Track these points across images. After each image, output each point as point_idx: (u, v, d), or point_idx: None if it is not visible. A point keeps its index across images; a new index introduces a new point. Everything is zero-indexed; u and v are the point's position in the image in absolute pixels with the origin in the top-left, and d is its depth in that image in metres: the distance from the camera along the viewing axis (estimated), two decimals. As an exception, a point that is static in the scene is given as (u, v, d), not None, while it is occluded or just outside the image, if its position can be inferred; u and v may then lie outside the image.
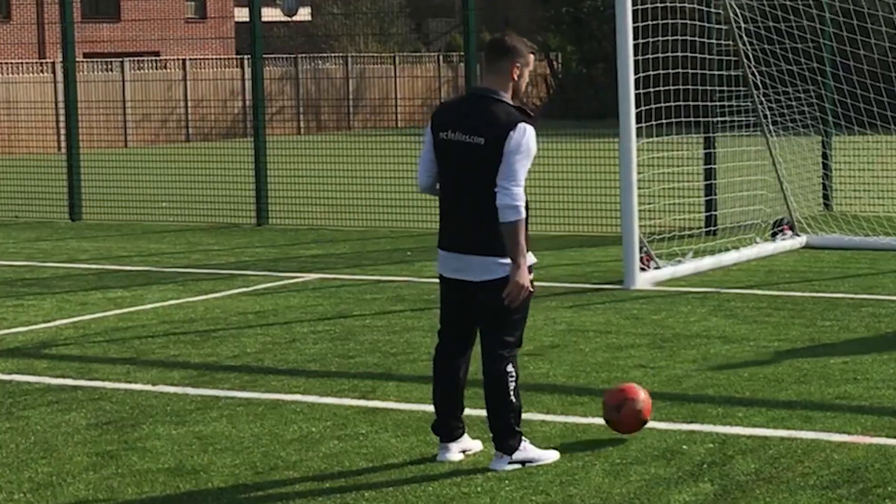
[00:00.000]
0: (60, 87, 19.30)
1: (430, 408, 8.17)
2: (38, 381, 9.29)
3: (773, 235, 14.96)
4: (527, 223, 7.02)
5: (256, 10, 18.93)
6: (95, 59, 42.52)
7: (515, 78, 7.10)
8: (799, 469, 6.93)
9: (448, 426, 7.30)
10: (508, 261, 6.98)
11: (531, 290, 7.00)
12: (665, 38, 13.90)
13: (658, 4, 13.91)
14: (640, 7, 13.17)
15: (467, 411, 7.37)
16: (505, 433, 7.11)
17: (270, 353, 10.06)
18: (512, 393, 7.08)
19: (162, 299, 12.53)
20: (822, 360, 9.36)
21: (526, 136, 6.92)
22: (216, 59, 44.33)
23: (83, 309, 12.09)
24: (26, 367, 9.74)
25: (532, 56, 7.16)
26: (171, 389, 8.96)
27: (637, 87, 12.80)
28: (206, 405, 8.51)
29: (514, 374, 7.10)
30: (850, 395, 8.37)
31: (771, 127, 15.29)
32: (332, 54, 47.07)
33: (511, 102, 7.06)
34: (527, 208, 6.96)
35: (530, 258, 7.03)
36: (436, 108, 7.37)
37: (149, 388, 9.03)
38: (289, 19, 60.06)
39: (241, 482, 6.98)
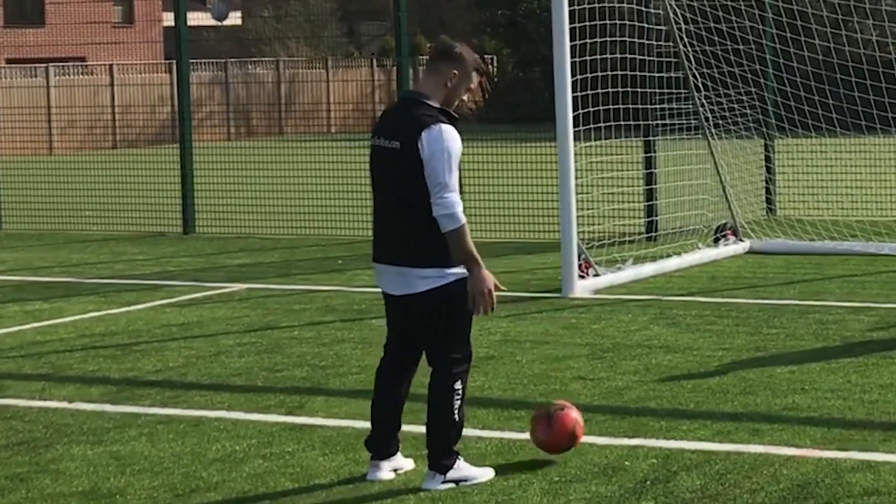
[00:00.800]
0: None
1: (359, 423, 7.88)
2: (-55, 399, 8.82)
3: (716, 241, 14.71)
4: None
5: (182, 14, 18.50)
6: (19, 65, 41.80)
7: (449, 85, 6.73)
8: (746, 485, 6.63)
9: (384, 443, 6.95)
10: (429, 273, 6.65)
11: (501, 289, 6.66)
12: (603, 40, 13.63)
13: (595, 5, 13.60)
14: (576, 7, 12.87)
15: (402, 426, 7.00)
16: (442, 452, 6.79)
17: (194, 367, 9.65)
18: (456, 412, 6.76)
19: (82, 311, 12.06)
20: (769, 369, 9.08)
21: (441, 137, 6.55)
22: (144, 63, 43.72)
23: (-1, 322, 11.61)
24: (-66, 385, 9.26)
25: (475, 74, 6.78)
26: (89, 407, 8.53)
27: (575, 90, 12.53)
28: (125, 423, 8.09)
29: (460, 391, 6.77)
30: (797, 406, 8.09)
31: (713, 130, 15.05)
32: (263, 58, 46.59)
33: (435, 105, 6.70)
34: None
35: (460, 270, 6.67)
36: None
37: (65, 405, 8.59)
38: (219, 23, 59.47)
39: (159, 506, 6.58)
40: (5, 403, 8.66)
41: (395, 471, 6.98)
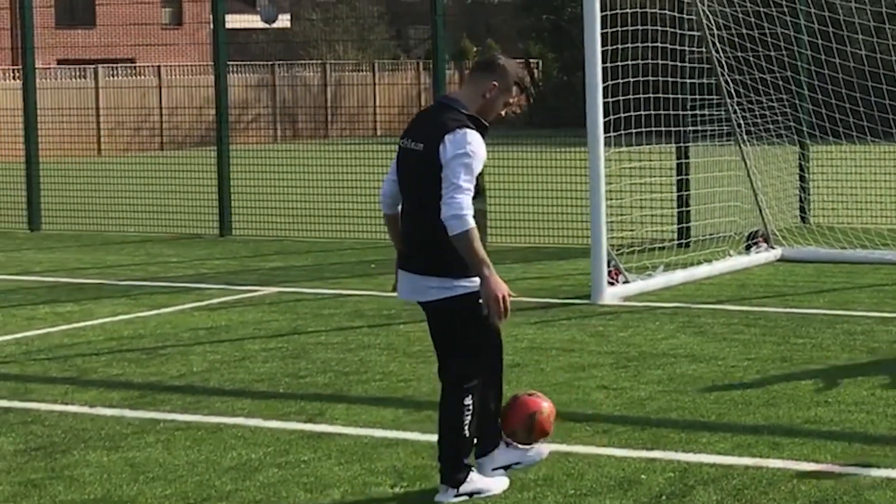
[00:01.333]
0: (31, 94, 18.91)
1: (378, 432, 7.92)
2: (-31, 402, 8.85)
3: (748, 248, 14.58)
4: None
5: (220, 18, 18.53)
6: (70, 66, 42.07)
7: (487, 97, 6.64)
8: (763, 501, 6.55)
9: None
10: (437, 283, 6.56)
11: (513, 296, 6.47)
12: (636, 45, 13.51)
13: (629, 10, 13.51)
14: (608, 13, 12.77)
15: (419, 437, 6.90)
16: (454, 467, 6.71)
17: (218, 372, 9.63)
18: (466, 427, 6.64)
19: (112, 314, 12.08)
20: (793, 380, 8.97)
21: (464, 140, 6.43)
22: (191, 65, 43.89)
23: (29, 324, 11.63)
24: (-42, 388, 9.29)
25: (516, 88, 6.68)
26: (109, 412, 8.53)
27: (607, 96, 12.44)
28: (143, 429, 8.08)
29: (470, 406, 6.64)
30: (820, 420, 7.97)
31: (745, 136, 14.91)
32: (310, 61, 46.68)
33: (466, 111, 6.60)
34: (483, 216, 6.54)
35: (470, 283, 6.56)
36: None
37: (85, 409, 8.59)
38: (268, 26, 59.66)
39: (169, 515, 6.58)
40: (28, 407, 8.67)
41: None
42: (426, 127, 6.64)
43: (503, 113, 6.76)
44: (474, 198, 6.45)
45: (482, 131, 6.57)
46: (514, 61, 6.84)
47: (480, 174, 6.55)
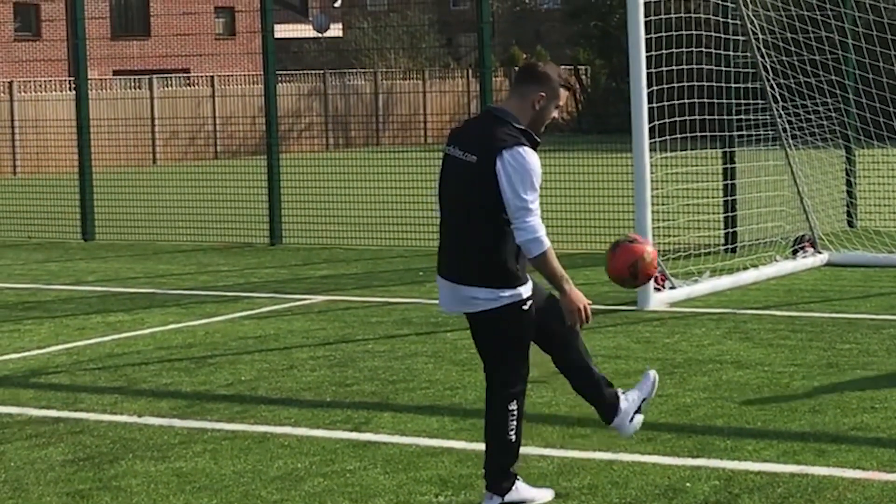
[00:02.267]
0: (84, 104, 19.12)
1: (423, 441, 7.93)
2: (20, 412, 8.95)
3: (794, 253, 14.50)
4: (519, 253, 6.59)
5: (269, 28, 18.66)
6: (125, 77, 42.40)
7: (536, 107, 6.62)
8: (808, 509, 6.51)
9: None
10: (483, 294, 6.56)
11: (588, 305, 6.60)
12: (681, 50, 13.49)
13: (673, 16, 13.49)
14: (653, 18, 12.76)
15: (464, 445, 6.91)
16: (499, 474, 6.71)
17: (266, 380, 9.70)
18: (512, 433, 6.65)
19: (162, 323, 12.18)
20: (839, 387, 8.92)
21: (523, 159, 6.43)
22: (244, 75, 44.14)
23: (80, 334, 11.75)
24: (10, 398, 9.39)
25: (563, 91, 6.67)
26: (157, 421, 8.60)
27: (652, 101, 12.44)
28: (191, 438, 8.14)
29: (515, 412, 6.66)
30: (866, 426, 7.93)
31: (791, 140, 14.84)
32: (362, 70, 46.81)
33: (519, 126, 6.58)
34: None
35: (521, 292, 6.59)
36: None
37: (134, 419, 8.67)
38: (319, 35, 59.89)
39: (214, 525, 6.63)
40: (77, 417, 8.76)
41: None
42: (479, 138, 6.58)
43: (556, 116, 6.74)
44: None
45: (535, 146, 6.57)
46: (554, 65, 6.84)
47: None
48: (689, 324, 11.40)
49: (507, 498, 6.69)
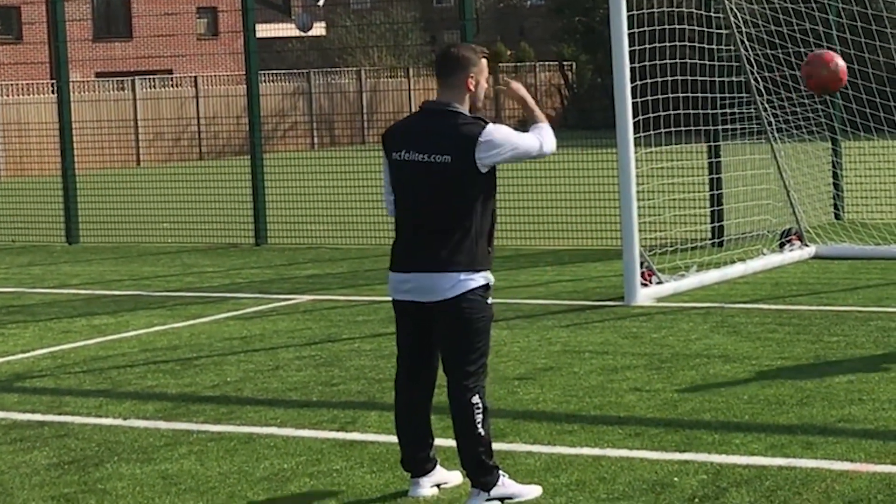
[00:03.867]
0: (66, 107, 19.03)
1: (408, 440, 7.81)
2: (4, 416, 8.89)
3: (781, 246, 14.48)
4: (490, 237, 6.69)
5: (250, 28, 18.60)
6: (108, 78, 42.27)
7: (472, 89, 6.70)
8: (797, 502, 6.50)
9: (416, 460, 6.88)
10: (455, 278, 6.60)
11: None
12: (664, 45, 13.47)
13: (656, 10, 13.46)
14: (636, 12, 12.73)
15: (451, 443, 6.88)
16: (478, 469, 6.70)
17: (251, 381, 9.65)
18: (479, 426, 6.65)
19: (147, 325, 12.13)
20: (827, 379, 8.90)
21: (497, 131, 6.60)
22: (227, 75, 44.05)
23: (65, 337, 11.70)
24: (-5, 403, 9.35)
25: (485, 61, 6.75)
26: (142, 424, 8.55)
27: (636, 96, 12.41)
28: (177, 440, 8.10)
29: (480, 405, 6.66)
30: (854, 418, 7.91)
31: (776, 134, 14.82)
32: (346, 68, 46.74)
33: (467, 114, 6.66)
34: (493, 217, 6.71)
35: (489, 277, 6.67)
36: (387, 129, 6.90)
37: (119, 422, 8.63)
38: (303, 34, 59.78)
39: (200, 527, 6.59)
40: (62, 420, 8.71)
41: (438, 486, 6.91)
42: (442, 137, 6.60)
43: (487, 85, 6.75)
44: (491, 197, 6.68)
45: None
46: (466, 43, 6.94)
47: (494, 175, 6.66)
48: (676, 318, 11.38)
49: (494, 493, 6.68)
